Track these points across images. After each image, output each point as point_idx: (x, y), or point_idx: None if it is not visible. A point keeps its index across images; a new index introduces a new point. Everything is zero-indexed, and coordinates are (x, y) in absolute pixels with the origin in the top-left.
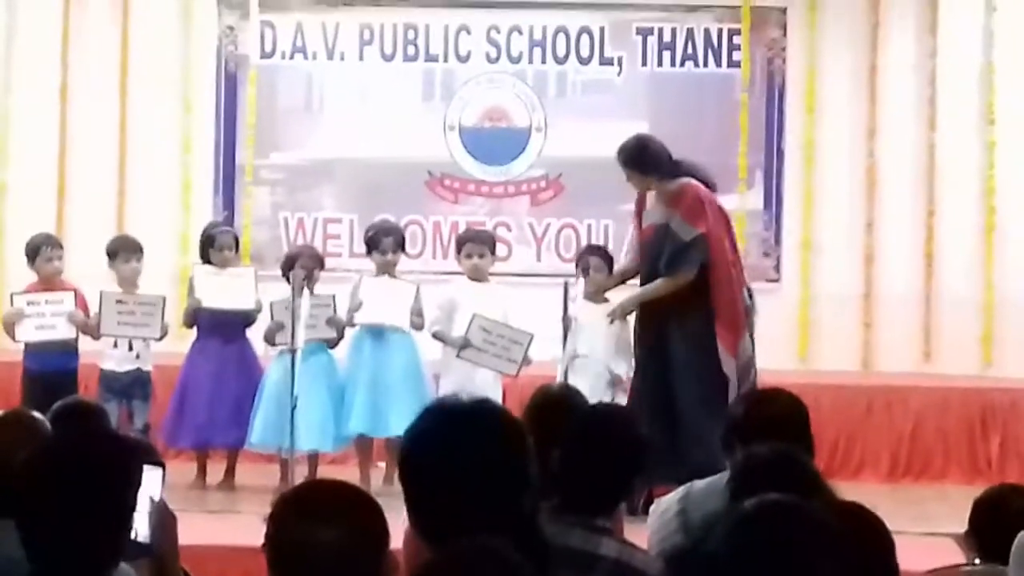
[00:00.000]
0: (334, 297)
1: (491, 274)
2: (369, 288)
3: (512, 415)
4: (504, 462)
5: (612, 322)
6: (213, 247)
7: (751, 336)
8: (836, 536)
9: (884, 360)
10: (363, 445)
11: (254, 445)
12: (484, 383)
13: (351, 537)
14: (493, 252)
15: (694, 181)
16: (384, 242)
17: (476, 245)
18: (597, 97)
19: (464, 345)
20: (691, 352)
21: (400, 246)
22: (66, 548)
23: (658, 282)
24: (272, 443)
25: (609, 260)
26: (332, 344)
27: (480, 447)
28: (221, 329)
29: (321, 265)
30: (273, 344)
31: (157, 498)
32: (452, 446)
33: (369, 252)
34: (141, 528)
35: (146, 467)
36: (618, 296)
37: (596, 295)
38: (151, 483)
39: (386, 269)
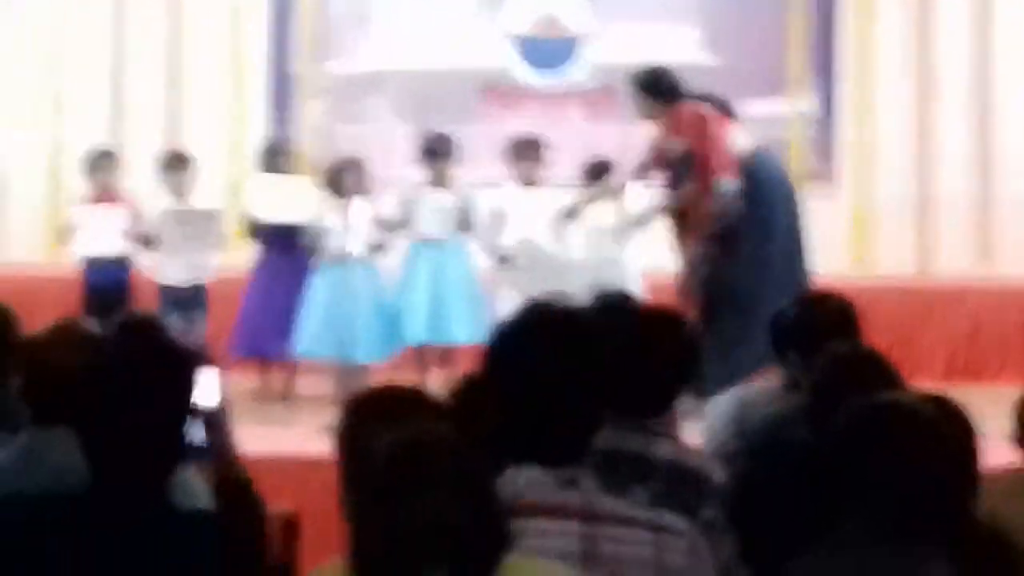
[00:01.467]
0: (394, 199)
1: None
2: (423, 201)
3: (601, 322)
4: (587, 371)
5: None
6: (280, 154)
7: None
8: (945, 433)
9: (941, 262)
10: (420, 354)
11: (300, 355)
12: None
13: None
14: (543, 158)
15: (682, 103)
16: (438, 151)
17: (527, 150)
18: (648, 2)
19: (504, 260)
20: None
21: (453, 155)
22: (125, 454)
23: (666, 196)
24: (319, 353)
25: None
26: (378, 250)
27: (568, 352)
28: (281, 241)
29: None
30: (319, 254)
31: (215, 399)
32: (541, 347)
33: (423, 162)
34: (197, 431)
35: (201, 369)
36: None
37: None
38: (208, 385)
39: (440, 179)
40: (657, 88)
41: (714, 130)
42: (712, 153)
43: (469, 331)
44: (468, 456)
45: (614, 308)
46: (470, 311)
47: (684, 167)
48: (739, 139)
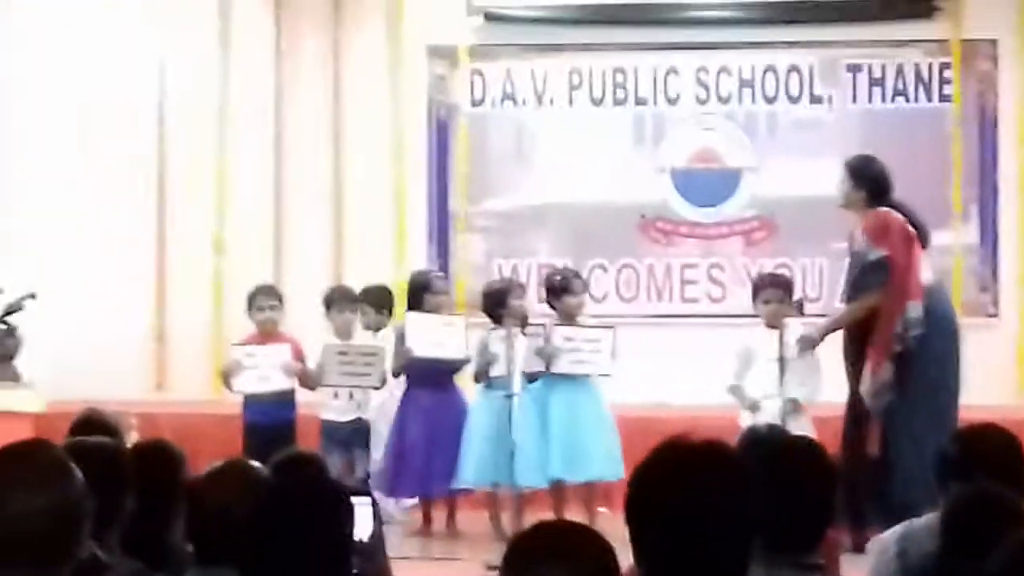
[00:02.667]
0: (545, 326)
1: (704, 316)
2: (564, 337)
3: (746, 461)
4: (732, 507)
5: (801, 352)
6: (429, 292)
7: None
8: None
9: None
10: (557, 490)
11: (467, 484)
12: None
13: None
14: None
15: (890, 211)
16: (576, 284)
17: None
18: (808, 136)
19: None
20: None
21: (580, 290)
22: None
23: (845, 308)
24: (485, 481)
25: (788, 287)
26: (533, 378)
27: (711, 489)
28: (432, 377)
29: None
30: (484, 381)
31: (370, 530)
32: (682, 485)
33: (559, 297)
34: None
35: (357, 500)
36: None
37: (779, 325)
38: (362, 516)
39: (576, 312)
40: (863, 176)
41: (916, 251)
42: (910, 273)
43: (603, 466)
44: None
45: (759, 441)
46: (606, 446)
47: (877, 276)
48: (924, 267)
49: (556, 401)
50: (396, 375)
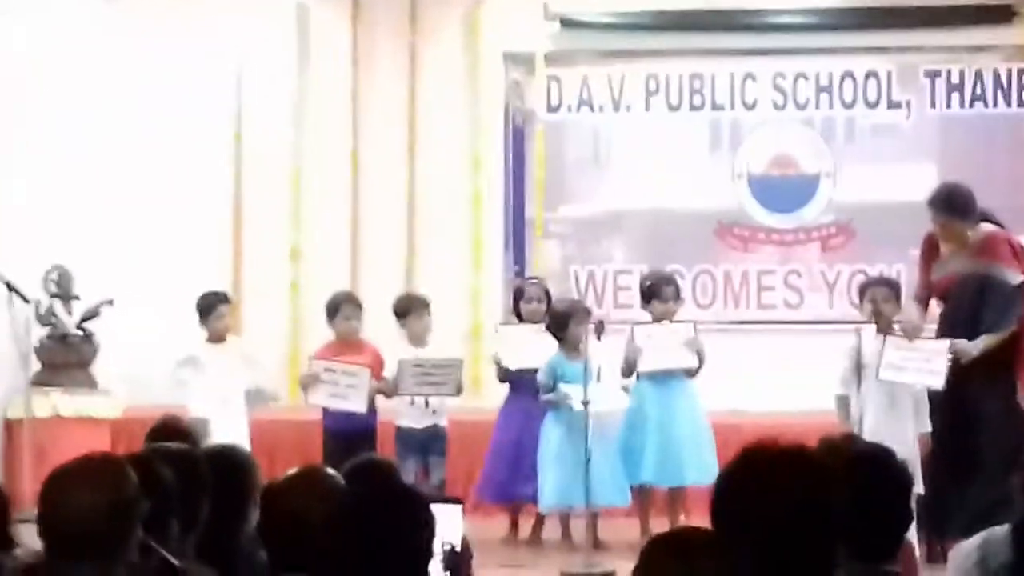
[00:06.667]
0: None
1: (781, 322)
2: (645, 335)
3: (827, 463)
4: (817, 513)
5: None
6: (523, 299)
7: None
8: None
9: None
10: (645, 495)
11: (549, 508)
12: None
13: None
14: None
15: (997, 228)
16: (666, 291)
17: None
18: (886, 141)
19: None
20: (995, 397)
21: (679, 295)
22: None
23: (993, 335)
24: (565, 503)
25: (897, 290)
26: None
27: (793, 493)
28: (527, 386)
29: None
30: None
31: (458, 536)
32: (768, 490)
33: (648, 301)
34: (438, 571)
35: (445, 506)
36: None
37: (887, 328)
38: (450, 523)
39: (665, 318)
40: (962, 207)
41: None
42: None
43: (697, 472)
44: None
45: (834, 450)
46: (700, 451)
47: (1015, 299)
48: None
49: (649, 404)
50: (501, 381)
